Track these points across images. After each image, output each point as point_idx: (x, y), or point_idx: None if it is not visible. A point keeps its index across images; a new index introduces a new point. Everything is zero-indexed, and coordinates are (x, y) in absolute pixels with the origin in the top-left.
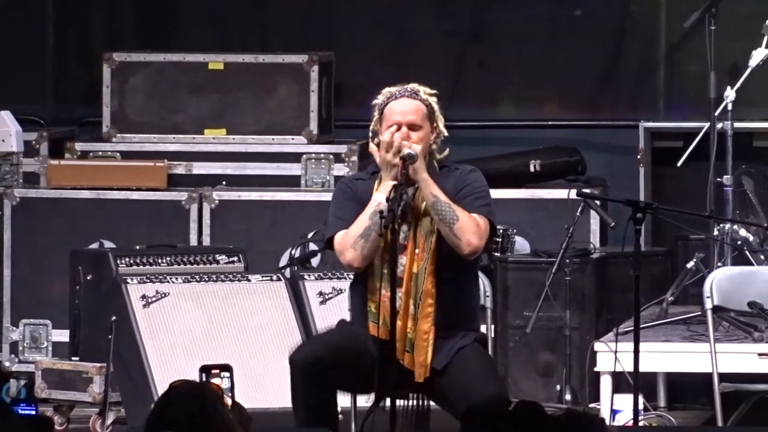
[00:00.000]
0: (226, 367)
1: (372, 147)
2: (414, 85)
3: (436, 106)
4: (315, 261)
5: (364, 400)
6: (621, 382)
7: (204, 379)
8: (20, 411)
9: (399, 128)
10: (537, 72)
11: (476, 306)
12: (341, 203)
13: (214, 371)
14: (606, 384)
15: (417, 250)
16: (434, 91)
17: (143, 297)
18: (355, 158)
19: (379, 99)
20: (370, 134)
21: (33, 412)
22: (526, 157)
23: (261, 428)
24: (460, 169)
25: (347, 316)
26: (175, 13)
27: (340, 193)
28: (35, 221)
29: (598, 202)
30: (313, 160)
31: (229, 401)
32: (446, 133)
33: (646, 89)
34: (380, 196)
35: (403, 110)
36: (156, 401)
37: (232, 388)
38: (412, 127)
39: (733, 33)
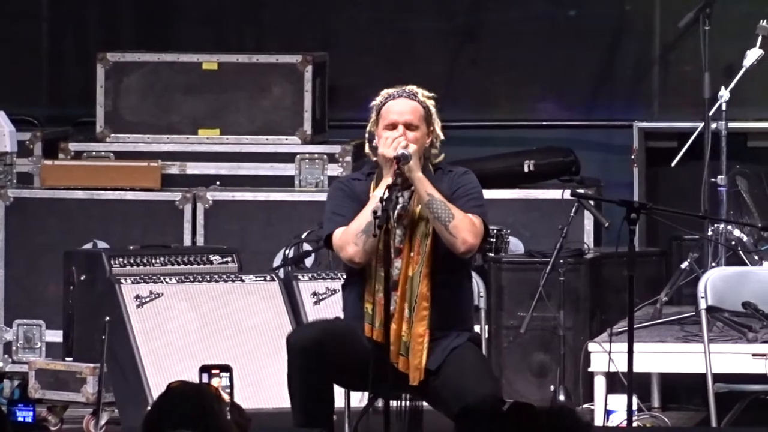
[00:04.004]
0: (226, 368)
1: (367, 150)
2: (412, 87)
3: (433, 109)
4: (309, 261)
5: (358, 400)
6: (615, 383)
7: (204, 379)
8: (18, 412)
9: (395, 127)
10: (531, 72)
11: (470, 306)
12: (339, 201)
13: (213, 371)
14: (600, 384)
15: (412, 254)
16: (432, 95)
17: (137, 297)
18: (349, 158)
19: (377, 100)
20: (367, 135)
21: (31, 413)
22: (520, 158)
23: (255, 428)
24: (453, 171)
25: (341, 317)
26: (172, 14)
27: (338, 192)
28: (29, 221)
29: (592, 203)
30: (306, 161)
31: (227, 401)
32: (443, 137)
33: (640, 89)
34: (381, 192)
35: (401, 110)
36: (154, 402)
37: (231, 388)
38: (409, 126)
39: (727, 33)
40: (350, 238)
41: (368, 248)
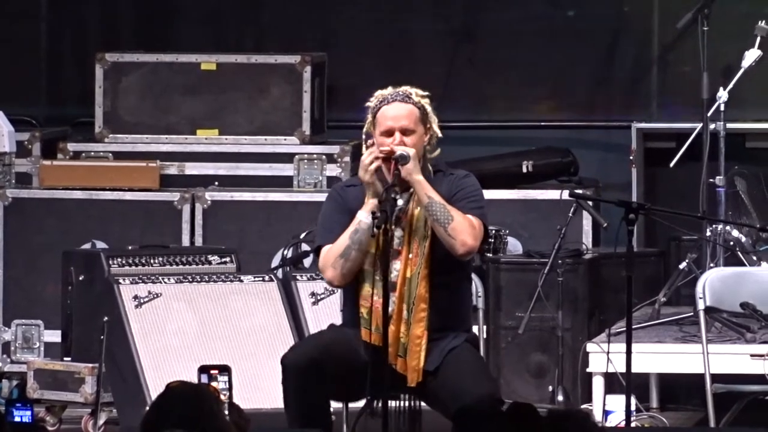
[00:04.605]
0: (225, 368)
1: (365, 151)
2: (406, 88)
3: (429, 108)
4: (307, 261)
5: (356, 401)
6: (613, 383)
7: (203, 379)
8: (16, 411)
9: (391, 134)
10: (530, 72)
11: (469, 307)
12: (330, 214)
13: (212, 372)
14: (598, 385)
15: (411, 255)
16: (426, 93)
17: (135, 297)
18: (347, 159)
19: (372, 102)
20: (364, 136)
21: (29, 413)
22: (518, 158)
23: (254, 428)
24: (454, 174)
25: (339, 317)
26: (170, 14)
27: (331, 202)
28: (27, 221)
29: (590, 203)
30: (305, 161)
31: (226, 402)
32: (440, 134)
33: (638, 90)
34: (363, 214)
35: (396, 115)
36: (153, 402)
37: (230, 389)
38: (405, 131)
39: (725, 34)
40: (329, 262)
41: (346, 272)
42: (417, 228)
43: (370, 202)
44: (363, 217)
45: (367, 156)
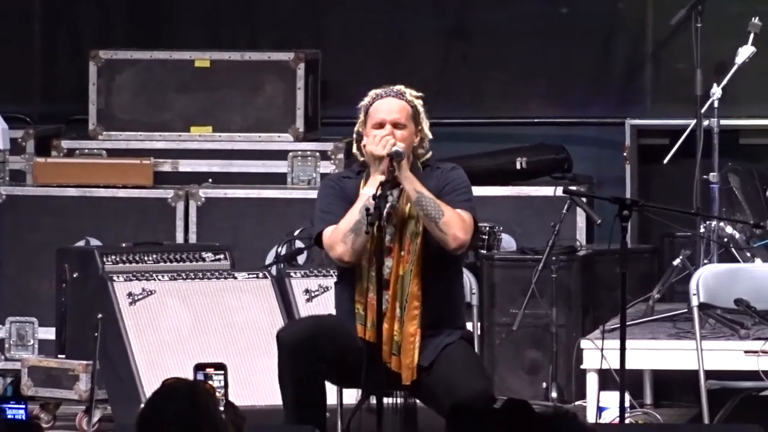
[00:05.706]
0: (221, 366)
1: (355, 150)
2: (400, 87)
3: (421, 109)
4: (301, 258)
5: (352, 398)
6: (607, 380)
7: (198, 377)
8: (9, 409)
9: (383, 126)
10: (524, 69)
11: (462, 304)
12: (329, 200)
13: (208, 370)
14: (592, 381)
15: (403, 253)
16: (420, 94)
17: (129, 294)
18: (341, 156)
19: (365, 100)
20: (355, 136)
21: (23, 410)
22: (512, 155)
23: (248, 426)
24: (441, 168)
25: (334, 314)
26: (164, 11)
27: (328, 190)
28: (21, 219)
29: (584, 200)
30: (299, 158)
31: (222, 400)
32: (431, 136)
33: (632, 87)
34: (370, 190)
35: (389, 108)
36: (148, 398)
37: (225, 387)
38: (397, 125)
39: (719, 30)
40: (339, 237)
41: (357, 247)
42: (408, 225)
43: (377, 178)
44: (370, 192)
45: (377, 136)
